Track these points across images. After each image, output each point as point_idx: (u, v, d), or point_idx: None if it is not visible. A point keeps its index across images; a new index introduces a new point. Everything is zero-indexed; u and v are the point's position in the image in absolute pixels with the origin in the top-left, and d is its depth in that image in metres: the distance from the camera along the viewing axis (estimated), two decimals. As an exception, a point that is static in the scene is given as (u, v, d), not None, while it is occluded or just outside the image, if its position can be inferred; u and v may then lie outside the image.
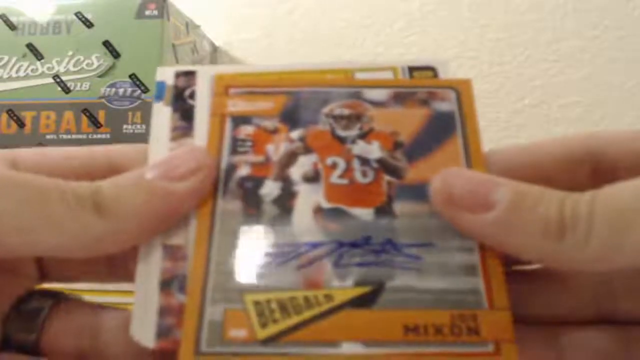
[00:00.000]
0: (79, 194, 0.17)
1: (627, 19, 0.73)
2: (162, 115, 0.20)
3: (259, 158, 0.20)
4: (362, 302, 0.18)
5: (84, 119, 0.64)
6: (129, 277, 0.19)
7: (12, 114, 0.65)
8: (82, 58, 0.68)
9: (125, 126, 0.64)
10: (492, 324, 0.17)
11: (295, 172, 0.20)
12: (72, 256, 0.17)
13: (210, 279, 0.17)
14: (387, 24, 0.75)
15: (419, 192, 0.19)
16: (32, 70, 0.68)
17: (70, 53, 0.68)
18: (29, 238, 0.16)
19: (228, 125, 0.20)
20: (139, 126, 0.64)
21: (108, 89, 0.66)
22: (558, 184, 0.18)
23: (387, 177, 0.19)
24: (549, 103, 0.72)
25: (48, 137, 0.63)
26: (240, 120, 0.20)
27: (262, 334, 0.17)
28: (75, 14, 0.69)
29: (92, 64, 0.67)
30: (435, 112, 0.20)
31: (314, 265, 0.18)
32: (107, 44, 0.67)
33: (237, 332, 0.17)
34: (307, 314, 0.17)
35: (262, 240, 0.18)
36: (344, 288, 0.18)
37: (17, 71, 0.68)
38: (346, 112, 0.20)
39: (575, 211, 0.16)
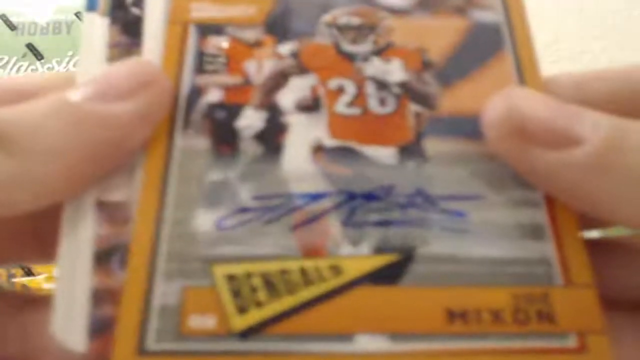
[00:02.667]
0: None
1: (627, 19, 0.72)
2: (97, 29, 0.15)
3: (235, 79, 0.15)
4: (385, 276, 0.13)
5: (83, 119, 0.63)
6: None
7: (11, 115, 0.63)
8: (82, 58, 0.67)
9: (124, 126, 0.63)
10: (571, 307, 0.12)
11: (286, 98, 0.15)
12: None
13: (161, 245, 0.12)
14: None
15: (459, 125, 0.14)
16: (32, 70, 0.66)
17: (70, 53, 0.67)
18: None
19: (192, 35, 0.15)
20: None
21: None
22: None
23: (414, 107, 0.15)
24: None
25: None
26: (209, 29, 0.15)
27: (240, 322, 0.12)
28: (75, 14, 0.68)
29: (92, 64, 0.66)
30: (476, 23, 0.16)
31: (315, 225, 0.13)
32: (106, 44, 0.66)
33: (202, 321, 0.12)
34: (306, 294, 0.12)
35: (239, 189, 0.13)
36: (357, 256, 0.13)
37: (17, 71, 0.66)
38: (355, 21, 0.16)
39: None
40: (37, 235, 0.14)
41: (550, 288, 0.12)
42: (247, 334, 0.12)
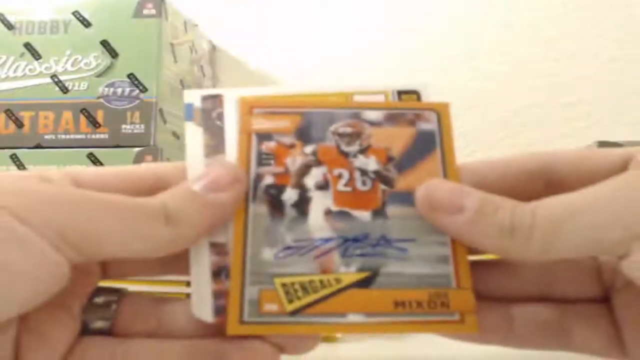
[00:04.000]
0: (154, 209, 0.21)
1: (627, 19, 0.72)
2: (195, 135, 0.24)
3: (280, 169, 0.24)
4: (363, 283, 0.23)
5: (83, 118, 0.64)
6: (174, 269, 0.24)
7: (11, 114, 0.64)
8: (80, 57, 0.67)
9: (123, 126, 0.63)
10: (458, 300, 0.23)
11: (309, 181, 0.24)
12: (146, 257, 0.21)
13: (247, 268, 0.23)
14: (387, 22, 0.73)
15: (406, 198, 0.24)
16: (30, 70, 0.67)
17: (68, 52, 0.67)
18: (122, 247, 0.20)
19: (254, 141, 0.24)
20: (137, 126, 0.63)
21: (106, 89, 0.65)
22: (518, 193, 0.23)
23: (381, 186, 0.24)
24: (549, 103, 0.71)
25: (47, 137, 0.63)
26: (264, 136, 0.24)
27: (289, 307, 0.22)
28: (73, 13, 0.68)
29: (90, 63, 0.66)
30: (420, 131, 0.25)
31: (327, 256, 0.23)
32: (105, 43, 0.66)
33: (270, 306, 0.22)
34: (322, 293, 0.23)
35: (286, 236, 0.23)
36: (349, 273, 0.23)
37: (14, 71, 0.66)
38: (348, 130, 0.24)
39: (522, 218, 0.21)
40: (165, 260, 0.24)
41: (449, 290, 0.23)
42: (293, 313, 0.22)
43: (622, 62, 0.72)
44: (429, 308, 0.22)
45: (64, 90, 0.65)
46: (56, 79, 0.66)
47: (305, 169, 0.24)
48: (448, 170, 0.24)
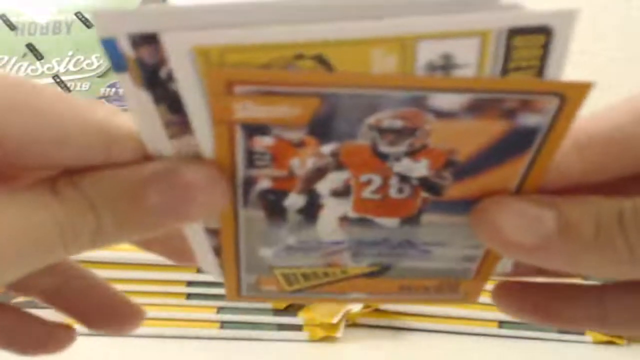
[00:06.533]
0: (79, 236, 0.17)
1: (627, 19, 0.72)
2: (144, 104, 0.16)
3: (281, 172, 0.17)
4: (371, 274, 0.21)
5: (84, 119, 0.63)
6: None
7: (13, 114, 0.63)
8: (82, 58, 0.67)
9: (125, 126, 0.62)
10: (468, 286, 0.22)
11: (323, 187, 0.18)
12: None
13: (242, 261, 0.20)
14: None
15: (452, 206, 0.18)
16: (32, 70, 0.67)
17: (70, 53, 0.67)
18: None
19: (239, 135, 0.16)
20: (139, 126, 0.62)
21: (108, 89, 0.65)
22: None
23: (424, 194, 0.18)
24: (549, 103, 0.70)
25: (48, 137, 0.62)
26: (255, 129, 0.16)
27: (289, 288, 0.21)
28: (75, 14, 0.68)
29: (92, 64, 0.67)
30: (517, 127, 0.16)
31: (335, 254, 0.20)
32: (107, 43, 0.65)
33: (269, 288, 0.21)
34: (325, 280, 0.21)
35: (288, 238, 0.20)
36: (358, 267, 0.21)
37: (17, 71, 0.67)
38: (398, 124, 0.16)
39: (630, 228, 0.16)
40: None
41: (462, 279, 0.22)
42: (293, 292, 0.22)
43: (622, 63, 0.72)
44: (435, 292, 0.22)
45: (66, 90, 0.66)
46: (58, 79, 0.66)
47: (318, 174, 0.17)
48: (529, 178, 0.17)
